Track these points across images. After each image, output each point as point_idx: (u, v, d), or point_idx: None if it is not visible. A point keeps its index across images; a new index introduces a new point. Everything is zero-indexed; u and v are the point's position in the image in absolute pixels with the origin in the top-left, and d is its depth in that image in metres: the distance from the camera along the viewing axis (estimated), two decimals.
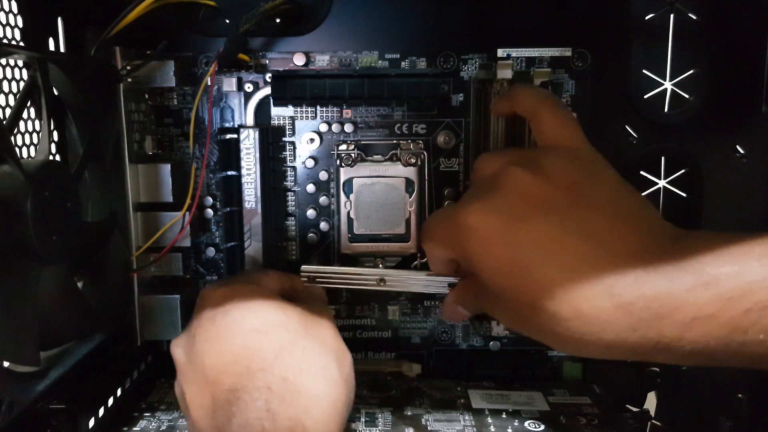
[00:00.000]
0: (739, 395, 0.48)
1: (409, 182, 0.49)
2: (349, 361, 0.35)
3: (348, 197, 0.49)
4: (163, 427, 0.44)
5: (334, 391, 0.33)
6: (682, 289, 0.28)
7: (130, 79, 0.45)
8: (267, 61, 0.49)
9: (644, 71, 0.49)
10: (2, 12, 0.35)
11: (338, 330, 0.39)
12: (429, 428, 0.43)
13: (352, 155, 0.49)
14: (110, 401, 0.44)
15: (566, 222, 0.31)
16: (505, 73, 0.47)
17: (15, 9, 0.36)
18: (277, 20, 0.47)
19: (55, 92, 0.38)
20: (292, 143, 0.50)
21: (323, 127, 0.50)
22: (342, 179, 0.49)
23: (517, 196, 0.32)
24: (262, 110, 0.49)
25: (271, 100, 0.49)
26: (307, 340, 0.34)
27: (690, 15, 0.48)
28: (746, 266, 0.27)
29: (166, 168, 0.47)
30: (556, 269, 0.31)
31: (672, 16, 0.48)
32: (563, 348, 0.32)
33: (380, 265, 0.50)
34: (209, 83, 0.47)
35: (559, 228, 0.31)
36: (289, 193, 0.50)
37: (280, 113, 0.50)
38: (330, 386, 0.33)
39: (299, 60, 0.49)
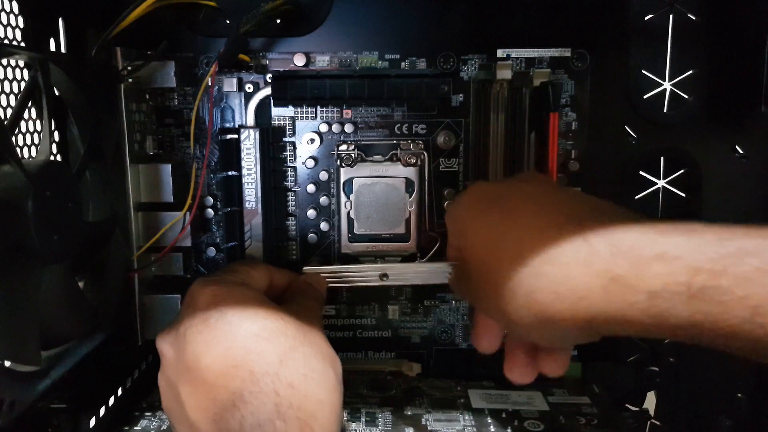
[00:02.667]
0: (739, 395, 0.48)
1: (409, 182, 0.49)
2: (340, 365, 0.36)
3: (348, 197, 0.49)
4: (164, 427, 0.44)
5: (334, 396, 0.34)
6: (652, 231, 0.29)
7: (131, 80, 0.45)
8: (267, 62, 0.49)
9: (644, 71, 0.49)
10: (3, 12, 0.35)
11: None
12: (429, 428, 0.43)
13: (353, 155, 0.49)
14: (111, 400, 0.44)
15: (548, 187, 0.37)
16: (505, 74, 0.47)
17: (16, 9, 0.36)
18: (278, 21, 0.47)
19: (56, 92, 0.38)
20: (293, 143, 0.50)
21: (323, 128, 0.50)
22: (342, 179, 0.49)
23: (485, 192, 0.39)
24: (262, 110, 0.50)
25: (272, 101, 0.49)
26: (305, 347, 0.35)
27: (689, 15, 0.48)
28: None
29: (167, 168, 0.47)
30: (528, 236, 0.33)
31: (671, 16, 0.48)
32: (527, 308, 0.32)
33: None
34: (210, 84, 0.47)
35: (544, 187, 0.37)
36: (290, 193, 0.51)
37: (280, 113, 0.50)
38: (331, 392, 0.34)
39: (299, 60, 0.49)
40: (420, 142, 0.50)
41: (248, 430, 0.31)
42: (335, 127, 0.50)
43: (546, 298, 0.31)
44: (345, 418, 0.44)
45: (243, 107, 0.49)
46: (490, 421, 0.44)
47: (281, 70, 0.49)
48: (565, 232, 0.31)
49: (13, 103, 0.36)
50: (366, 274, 0.45)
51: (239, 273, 0.40)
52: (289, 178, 0.50)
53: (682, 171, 0.50)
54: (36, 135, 0.39)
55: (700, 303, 0.26)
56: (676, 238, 0.28)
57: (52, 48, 0.40)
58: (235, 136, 0.47)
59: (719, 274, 0.26)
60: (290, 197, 0.51)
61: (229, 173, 0.47)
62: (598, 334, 0.31)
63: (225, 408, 0.32)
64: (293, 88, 0.47)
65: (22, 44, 0.37)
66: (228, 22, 0.48)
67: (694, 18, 0.48)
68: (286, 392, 0.32)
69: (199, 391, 0.33)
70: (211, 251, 0.51)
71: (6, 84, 0.36)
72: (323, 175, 0.50)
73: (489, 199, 0.38)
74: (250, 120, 0.49)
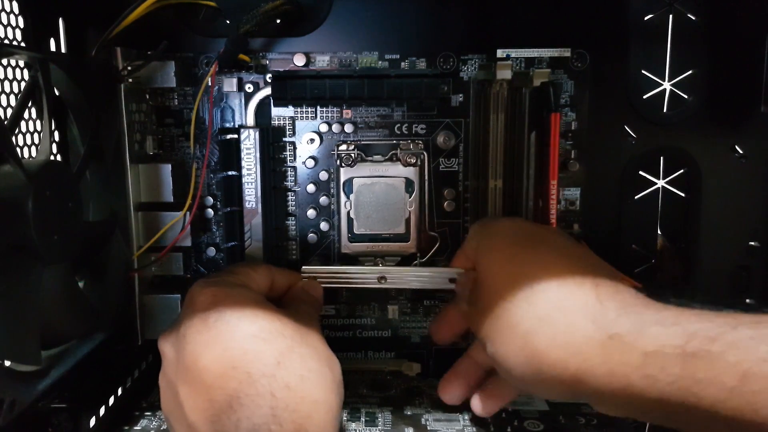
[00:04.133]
0: None
1: (408, 182, 0.49)
2: (339, 366, 0.36)
3: (348, 197, 0.49)
4: (164, 426, 0.44)
5: (331, 396, 0.34)
6: (659, 306, 0.31)
7: (131, 80, 0.45)
8: (267, 62, 0.49)
9: (643, 71, 0.49)
10: (4, 12, 0.35)
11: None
12: (429, 428, 0.43)
13: (352, 155, 0.49)
14: (111, 400, 0.44)
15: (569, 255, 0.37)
16: (505, 74, 0.47)
17: (16, 10, 0.36)
18: (278, 21, 0.47)
19: (57, 92, 0.39)
20: (293, 143, 0.50)
21: (323, 128, 0.50)
22: (342, 179, 0.49)
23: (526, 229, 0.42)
24: (262, 110, 0.50)
25: (272, 101, 0.49)
26: (303, 348, 0.35)
27: (689, 15, 0.48)
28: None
29: (167, 168, 0.47)
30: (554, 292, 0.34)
31: (671, 16, 0.48)
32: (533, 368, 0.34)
33: (380, 265, 0.50)
34: (210, 84, 0.47)
35: (558, 256, 0.37)
36: (290, 193, 0.51)
37: (280, 113, 0.50)
38: (328, 392, 0.34)
39: (299, 60, 0.49)
40: (420, 142, 0.50)
41: None
42: (335, 127, 0.50)
43: (542, 342, 0.32)
44: (345, 418, 0.44)
45: (243, 107, 0.49)
46: (489, 421, 0.44)
47: (281, 70, 0.49)
48: (583, 288, 0.33)
49: (13, 103, 0.36)
50: (365, 277, 0.45)
51: (239, 275, 0.41)
52: (289, 178, 0.50)
53: (682, 171, 0.50)
54: (36, 135, 0.39)
55: (692, 366, 0.27)
56: (679, 312, 0.30)
57: (53, 48, 0.40)
58: (235, 136, 0.47)
59: (713, 340, 0.27)
60: (290, 197, 0.51)
61: (229, 173, 0.47)
62: (577, 394, 0.32)
63: (222, 410, 0.32)
64: (293, 88, 0.47)
65: (23, 44, 0.37)
66: (228, 22, 0.48)
67: (693, 18, 0.48)
68: (282, 394, 0.32)
69: (197, 391, 0.33)
70: (211, 251, 0.51)
71: (6, 84, 0.36)
72: (323, 175, 0.50)
73: (527, 236, 0.40)
74: (250, 120, 0.49)
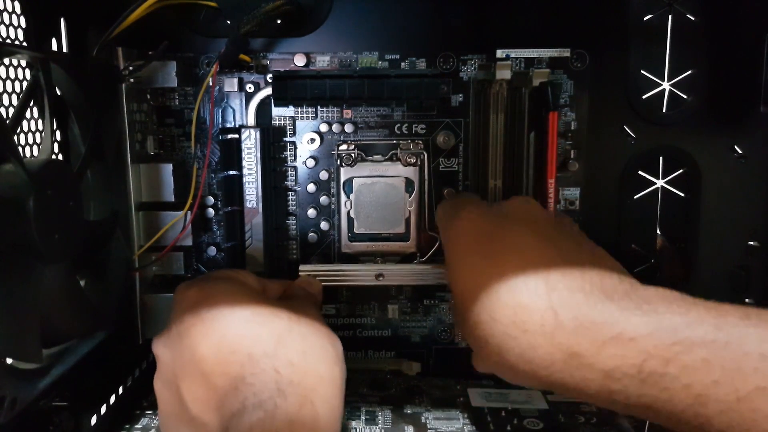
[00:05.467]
0: None
1: (408, 182, 0.49)
2: (339, 342, 0.37)
3: (348, 197, 0.49)
4: None
5: (334, 369, 0.35)
6: (616, 311, 0.29)
7: (132, 80, 0.46)
8: (268, 62, 0.49)
9: (643, 72, 0.49)
10: (5, 12, 0.36)
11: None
12: (428, 426, 0.44)
13: (353, 155, 0.50)
14: (112, 399, 0.44)
15: (537, 233, 0.36)
16: (504, 74, 0.47)
17: (18, 9, 0.37)
18: (278, 21, 0.48)
19: (58, 92, 0.39)
20: (293, 143, 0.50)
21: (324, 127, 0.50)
22: (342, 179, 0.49)
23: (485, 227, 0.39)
24: (263, 110, 0.50)
25: (272, 101, 0.49)
26: (301, 326, 0.35)
27: (688, 15, 0.48)
28: (701, 323, 0.27)
29: (168, 168, 0.48)
30: (516, 261, 0.34)
31: (670, 16, 0.48)
32: (484, 350, 0.34)
33: (379, 264, 0.50)
34: (211, 84, 0.48)
35: (530, 236, 0.36)
36: (290, 193, 0.51)
37: (280, 113, 0.50)
38: (331, 366, 0.35)
39: (300, 61, 0.49)
40: (420, 141, 0.50)
41: (250, 410, 0.31)
42: (335, 127, 0.50)
43: (514, 359, 0.32)
44: (345, 417, 0.44)
45: (244, 107, 0.50)
46: (489, 419, 0.44)
47: (282, 70, 0.49)
48: (537, 299, 0.31)
49: (14, 102, 0.37)
50: (362, 274, 0.46)
51: (224, 272, 0.41)
52: (290, 177, 0.51)
53: (681, 171, 0.50)
54: (37, 134, 0.39)
55: (649, 387, 0.27)
56: (635, 318, 0.29)
57: (54, 48, 0.40)
58: (236, 135, 0.47)
59: (668, 362, 0.27)
60: (290, 197, 0.51)
61: (230, 173, 0.47)
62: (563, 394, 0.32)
63: (226, 394, 0.32)
64: (293, 88, 0.47)
65: (24, 44, 0.37)
66: (228, 22, 0.48)
67: (693, 18, 0.48)
68: (285, 370, 0.32)
69: (199, 382, 0.33)
70: (212, 250, 0.51)
71: (8, 83, 0.36)
72: (323, 175, 0.50)
73: (481, 234, 0.37)
74: (251, 120, 0.49)
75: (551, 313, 0.31)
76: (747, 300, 0.50)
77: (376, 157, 0.50)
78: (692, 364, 0.26)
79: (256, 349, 0.33)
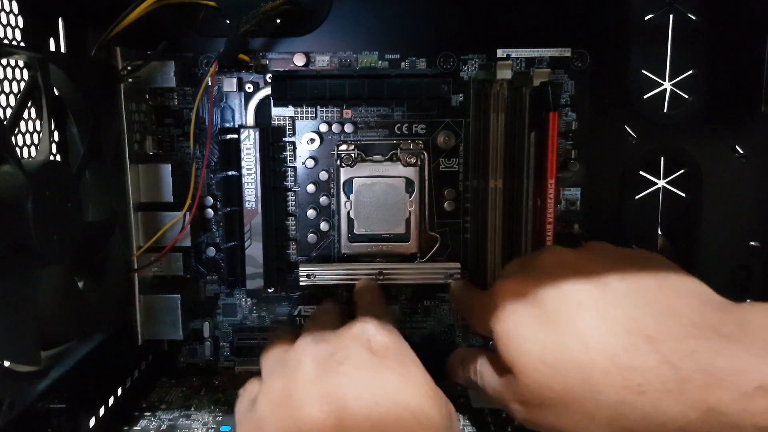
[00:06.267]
0: None
1: (409, 182, 0.49)
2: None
3: (348, 197, 0.49)
4: (164, 427, 0.44)
5: None
6: (745, 353, 0.26)
7: (130, 80, 0.45)
8: (267, 62, 0.49)
9: (643, 71, 0.49)
10: (3, 12, 0.35)
11: None
12: None
13: (352, 155, 0.49)
14: (111, 400, 0.44)
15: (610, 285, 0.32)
16: (505, 74, 0.47)
17: (16, 9, 0.36)
18: (278, 21, 0.47)
19: (56, 92, 0.38)
20: (293, 143, 0.50)
21: (323, 128, 0.50)
22: (342, 179, 0.49)
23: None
24: (262, 110, 0.50)
25: (272, 101, 0.49)
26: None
27: (689, 15, 0.48)
28: None
29: (167, 168, 0.47)
30: (592, 315, 0.31)
31: (671, 16, 0.48)
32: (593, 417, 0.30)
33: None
34: (210, 83, 0.47)
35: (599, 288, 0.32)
36: (290, 193, 0.51)
37: (280, 113, 0.50)
38: None
39: (299, 60, 0.49)
40: (420, 142, 0.50)
41: None
42: (335, 127, 0.50)
43: (637, 426, 0.28)
44: None
45: (243, 107, 0.49)
46: (489, 420, 0.44)
47: (281, 70, 0.49)
48: (644, 356, 0.28)
49: (12, 103, 0.36)
50: (362, 273, 0.47)
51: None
52: (289, 178, 0.50)
53: (682, 171, 0.50)
54: (36, 135, 0.39)
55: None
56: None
57: (52, 48, 0.40)
58: (235, 136, 0.47)
59: None
60: (290, 197, 0.51)
61: (229, 173, 0.47)
62: None
63: None
64: (293, 88, 0.46)
65: (22, 44, 0.37)
66: (228, 22, 0.48)
67: (694, 18, 0.48)
68: None
69: None
70: (211, 251, 0.51)
71: (6, 84, 0.36)
72: (323, 175, 0.50)
73: (526, 299, 0.34)
74: (250, 120, 0.49)
75: (666, 365, 0.27)
76: (747, 300, 0.49)
77: (376, 157, 0.50)
78: None
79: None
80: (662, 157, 0.50)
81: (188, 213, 0.47)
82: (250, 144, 0.46)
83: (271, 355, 0.39)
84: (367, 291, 0.47)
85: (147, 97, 0.49)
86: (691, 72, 0.48)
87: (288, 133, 0.50)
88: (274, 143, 0.48)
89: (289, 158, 0.50)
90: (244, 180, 0.47)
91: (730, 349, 0.26)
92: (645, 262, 0.34)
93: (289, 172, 0.50)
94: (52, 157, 0.38)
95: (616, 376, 0.28)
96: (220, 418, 0.45)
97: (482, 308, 0.38)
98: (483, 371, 0.38)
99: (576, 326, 0.31)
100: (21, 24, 0.37)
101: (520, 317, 0.34)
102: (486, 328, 0.37)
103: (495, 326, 0.35)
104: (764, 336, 0.27)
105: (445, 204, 0.50)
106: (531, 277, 0.36)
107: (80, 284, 0.40)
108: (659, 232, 0.50)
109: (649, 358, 0.28)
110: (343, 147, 0.50)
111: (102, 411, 0.42)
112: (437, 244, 0.50)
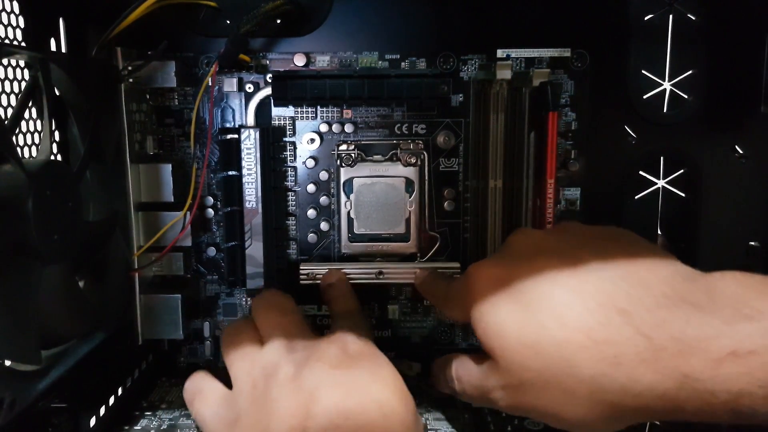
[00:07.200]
0: None
1: (409, 182, 0.49)
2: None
3: (348, 197, 0.49)
4: (164, 426, 0.44)
5: None
6: (716, 320, 0.26)
7: (131, 80, 0.45)
8: (267, 62, 0.49)
9: (643, 71, 0.49)
10: (4, 12, 0.36)
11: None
12: (429, 427, 0.43)
13: (353, 155, 0.49)
14: (111, 400, 0.44)
15: (579, 255, 0.33)
16: (505, 74, 0.47)
17: (17, 9, 0.37)
18: (278, 21, 0.48)
19: (57, 92, 0.39)
20: (293, 143, 0.50)
21: (323, 128, 0.50)
22: (342, 179, 0.49)
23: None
24: (262, 110, 0.50)
25: (272, 101, 0.49)
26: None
27: (689, 15, 0.48)
28: None
29: (167, 168, 0.47)
30: (566, 292, 0.31)
31: (671, 16, 0.48)
32: (570, 399, 0.30)
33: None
34: (210, 84, 0.48)
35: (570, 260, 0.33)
36: (290, 193, 0.51)
37: (280, 113, 0.50)
38: None
39: (300, 60, 0.49)
40: (420, 142, 0.50)
41: None
42: (335, 127, 0.50)
43: (616, 398, 0.29)
44: None
45: (243, 107, 0.50)
46: (489, 419, 0.44)
47: (281, 70, 0.49)
48: (619, 329, 0.28)
49: (13, 102, 0.36)
50: (362, 272, 0.47)
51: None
52: (289, 177, 0.50)
53: (682, 171, 0.50)
54: (36, 135, 0.39)
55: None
56: (742, 325, 0.26)
57: (53, 48, 0.40)
58: (236, 136, 0.47)
59: None
60: (290, 197, 0.51)
61: (230, 173, 0.47)
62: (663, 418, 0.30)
63: None
64: (293, 88, 0.47)
65: (23, 44, 0.37)
66: (228, 22, 0.48)
67: (693, 18, 0.48)
68: None
69: None
70: (212, 251, 0.51)
71: (6, 84, 0.36)
72: (323, 175, 0.50)
73: (499, 282, 0.34)
74: (251, 120, 0.49)
75: (639, 335, 0.28)
76: None
77: (376, 157, 0.50)
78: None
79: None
80: (662, 157, 0.50)
81: (189, 213, 0.47)
82: (250, 144, 0.46)
83: (240, 356, 0.38)
84: (340, 296, 0.46)
85: (147, 97, 0.49)
86: (690, 72, 0.49)
87: (288, 133, 0.50)
88: (274, 143, 0.48)
89: (289, 158, 0.50)
90: (244, 180, 0.47)
91: (701, 317, 0.27)
92: (615, 238, 0.35)
93: (289, 172, 0.50)
94: (52, 157, 0.39)
95: (592, 350, 0.29)
96: None
97: (456, 295, 0.39)
98: (461, 370, 0.38)
99: (550, 304, 0.31)
100: (22, 24, 0.37)
101: (496, 300, 0.34)
102: (462, 315, 0.37)
103: (472, 312, 0.35)
104: (733, 303, 0.27)
105: (445, 204, 0.50)
106: (504, 260, 0.36)
107: (81, 284, 0.40)
108: (659, 232, 0.50)
109: (623, 330, 0.28)
110: (344, 147, 0.50)
111: (102, 410, 0.42)
112: (437, 244, 0.50)
